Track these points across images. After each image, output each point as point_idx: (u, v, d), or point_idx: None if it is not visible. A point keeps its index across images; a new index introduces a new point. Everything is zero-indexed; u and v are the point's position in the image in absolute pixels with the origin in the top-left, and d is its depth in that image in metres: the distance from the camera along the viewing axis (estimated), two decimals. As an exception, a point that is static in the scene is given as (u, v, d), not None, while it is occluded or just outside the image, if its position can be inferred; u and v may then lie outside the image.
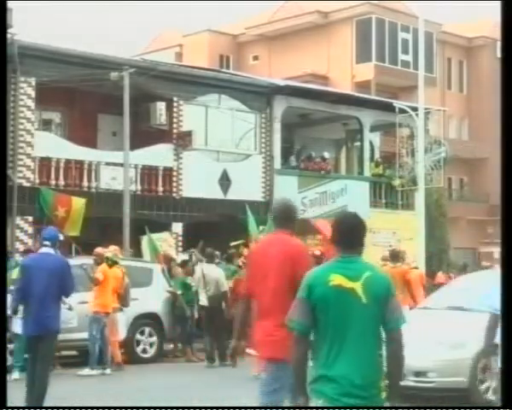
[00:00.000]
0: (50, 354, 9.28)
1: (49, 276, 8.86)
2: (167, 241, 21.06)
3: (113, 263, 13.99)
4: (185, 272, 16.17)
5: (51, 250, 9.16)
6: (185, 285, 15.83)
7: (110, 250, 14.30)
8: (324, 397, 4.24)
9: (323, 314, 4.28)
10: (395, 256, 16.63)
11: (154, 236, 20.10)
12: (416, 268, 17.81)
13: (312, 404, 4.31)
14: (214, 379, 12.87)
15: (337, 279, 4.26)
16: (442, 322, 10.70)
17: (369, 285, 4.26)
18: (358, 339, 4.25)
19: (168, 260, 18.37)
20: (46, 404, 9.20)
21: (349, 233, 4.39)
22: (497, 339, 9.27)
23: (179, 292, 15.70)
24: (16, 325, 11.62)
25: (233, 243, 19.38)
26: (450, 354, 9.98)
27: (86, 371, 13.01)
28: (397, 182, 27.86)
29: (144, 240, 20.05)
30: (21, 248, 18.91)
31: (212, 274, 14.87)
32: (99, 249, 14.12)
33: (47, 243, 9.15)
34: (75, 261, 13.17)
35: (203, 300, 14.88)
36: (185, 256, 18.63)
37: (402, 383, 8.64)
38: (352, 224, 4.44)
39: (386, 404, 4.35)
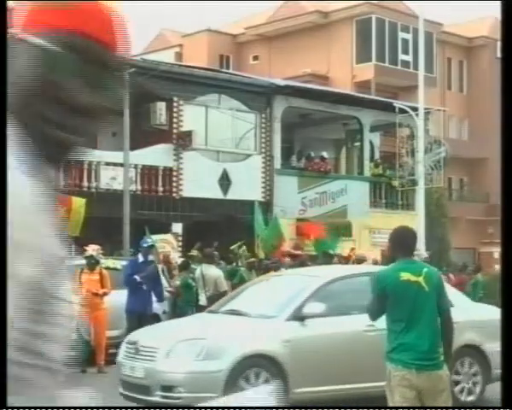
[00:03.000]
0: None
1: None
2: (170, 243, 20.99)
3: (96, 263, 13.81)
4: (189, 272, 16.14)
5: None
6: (188, 285, 15.80)
7: (94, 249, 14.12)
8: (402, 364, 5.59)
9: (397, 301, 5.69)
10: None
11: (157, 237, 20.00)
12: None
13: (390, 369, 5.67)
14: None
15: (406, 275, 5.72)
16: (207, 328, 9.36)
17: (429, 278, 5.77)
18: (424, 318, 5.66)
19: (167, 260, 18.37)
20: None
21: (406, 243, 5.94)
22: (264, 348, 8.76)
23: (186, 285, 15.62)
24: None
25: (232, 247, 19.36)
26: (202, 366, 8.54)
27: None
28: (396, 182, 27.86)
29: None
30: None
31: (211, 274, 14.85)
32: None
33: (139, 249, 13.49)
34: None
35: (202, 300, 14.86)
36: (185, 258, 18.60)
37: (149, 398, 8.74)
38: (407, 235, 6.04)
39: (445, 365, 5.73)
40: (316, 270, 12.25)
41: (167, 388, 8.58)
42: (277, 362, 8.76)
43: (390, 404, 5.83)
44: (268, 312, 9.35)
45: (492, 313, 10.51)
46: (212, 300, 14.82)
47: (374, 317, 6.11)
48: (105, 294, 13.43)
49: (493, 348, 9.58)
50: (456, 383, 9.39)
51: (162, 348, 8.83)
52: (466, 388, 9.60)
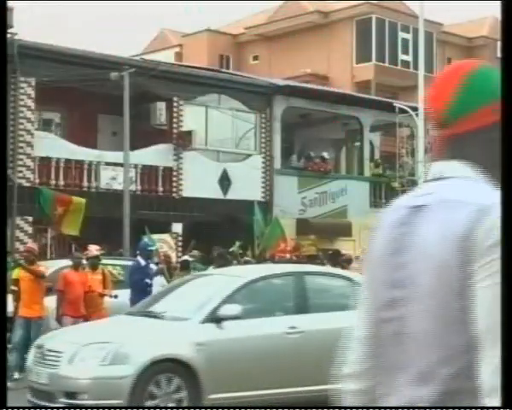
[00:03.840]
0: None
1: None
2: (168, 243, 21.04)
3: (99, 263, 13.24)
4: (189, 271, 16.14)
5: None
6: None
7: (96, 249, 13.68)
8: None
9: None
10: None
11: (155, 237, 20.05)
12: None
13: None
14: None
15: None
16: (117, 331, 8.92)
17: None
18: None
19: (168, 260, 18.37)
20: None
21: None
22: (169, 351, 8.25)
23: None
24: None
25: (231, 249, 19.33)
26: (107, 371, 8.10)
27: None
28: (396, 184, 27.85)
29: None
30: (21, 248, 18.91)
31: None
32: (31, 245, 13.27)
33: (137, 252, 14.04)
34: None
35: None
36: (186, 257, 18.61)
37: (53, 405, 8.21)
38: None
39: None
40: (238, 270, 11.78)
41: (71, 394, 8.11)
42: (190, 367, 8.26)
43: None
44: (182, 314, 8.89)
45: None
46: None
47: None
48: (115, 296, 13.06)
49: None
50: None
51: (66, 352, 8.37)
52: None
